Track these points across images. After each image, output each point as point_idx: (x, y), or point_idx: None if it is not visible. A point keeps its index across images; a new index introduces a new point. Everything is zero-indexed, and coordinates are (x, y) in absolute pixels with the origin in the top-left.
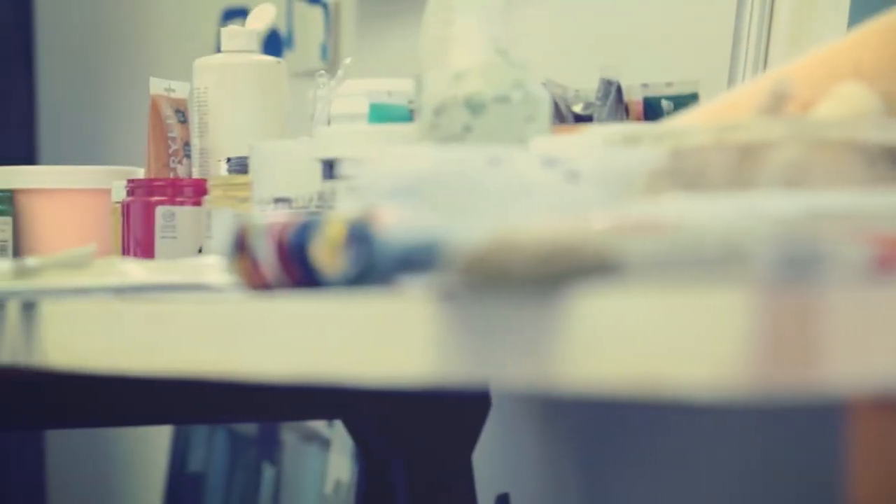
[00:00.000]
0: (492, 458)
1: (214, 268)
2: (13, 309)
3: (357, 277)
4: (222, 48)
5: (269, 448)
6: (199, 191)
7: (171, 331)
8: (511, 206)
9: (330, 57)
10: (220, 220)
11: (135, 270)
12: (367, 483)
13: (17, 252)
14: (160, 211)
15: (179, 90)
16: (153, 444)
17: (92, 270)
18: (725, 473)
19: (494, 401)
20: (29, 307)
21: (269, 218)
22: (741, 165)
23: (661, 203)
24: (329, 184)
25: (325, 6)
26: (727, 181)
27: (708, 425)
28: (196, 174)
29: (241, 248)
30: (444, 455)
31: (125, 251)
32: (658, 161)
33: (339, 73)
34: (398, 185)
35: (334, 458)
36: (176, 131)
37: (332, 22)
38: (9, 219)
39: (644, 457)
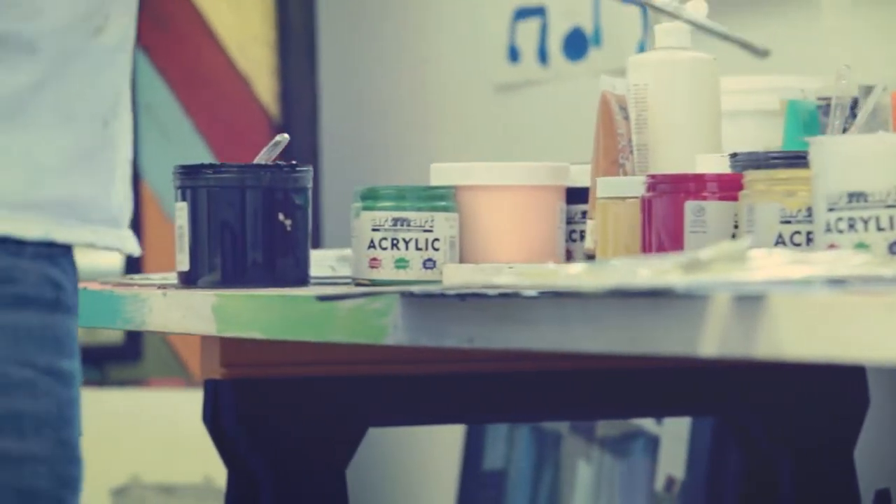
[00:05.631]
0: (870, 454)
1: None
2: (721, 302)
3: None
4: (657, 44)
5: (585, 445)
6: (725, 185)
7: None
8: None
9: None
10: (766, 214)
11: (779, 263)
12: (750, 480)
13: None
14: (689, 206)
15: (619, 87)
16: (445, 440)
17: (752, 264)
18: None
19: (872, 398)
20: (745, 300)
21: None
22: None
23: None
24: None
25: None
26: None
27: None
28: (636, 171)
29: None
30: (827, 452)
31: (647, 247)
32: None
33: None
34: None
35: (665, 454)
36: (623, 128)
37: (650, 18)
38: (455, 215)
39: None
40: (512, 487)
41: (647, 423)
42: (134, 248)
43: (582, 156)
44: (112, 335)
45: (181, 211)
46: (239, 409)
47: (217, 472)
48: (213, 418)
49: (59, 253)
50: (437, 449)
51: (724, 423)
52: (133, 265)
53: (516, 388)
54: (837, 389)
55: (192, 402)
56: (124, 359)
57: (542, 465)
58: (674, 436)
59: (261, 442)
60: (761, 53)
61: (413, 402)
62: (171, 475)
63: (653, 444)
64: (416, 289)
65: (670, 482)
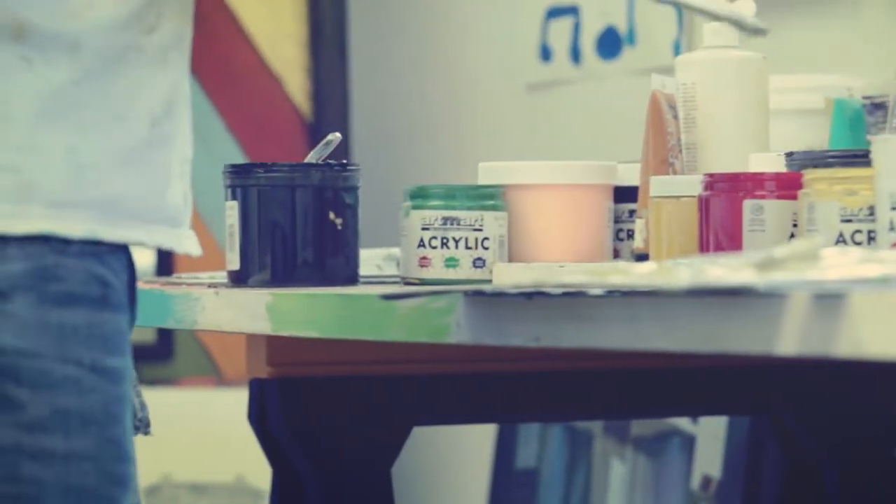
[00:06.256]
0: None
1: None
2: (800, 301)
3: None
4: (705, 43)
5: (619, 445)
6: (783, 184)
7: None
8: None
9: (683, 53)
10: (826, 213)
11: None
12: (789, 479)
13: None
14: (748, 205)
15: (669, 85)
16: (477, 439)
17: (825, 262)
18: None
19: None
20: (825, 299)
21: None
22: None
23: None
24: None
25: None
26: None
27: None
28: (685, 170)
29: None
30: (869, 453)
31: (704, 246)
32: None
33: None
34: None
35: (701, 453)
36: (672, 127)
37: (685, 17)
38: (504, 213)
39: None
40: (544, 487)
41: (683, 423)
42: (192, 248)
43: (616, 155)
44: (144, 334)
45: (231, 210)
46: (285, 408)
47: (249, 470)
48: (259, 418)
49: (107, 251)
50: (469, 448)
51: (761, 422)
52: (164, 265)
53: (553, 387)
54: (879, 388)
55: (223, 400)
56: (156, 358)
57: (574, 465)
58: (710, 435)
59: (306, 441)
60: (756, 32)
61: (458, 401)
62: (203, 474)
63: (689, 443)
64: (486, 287)
65: (706, 482)
